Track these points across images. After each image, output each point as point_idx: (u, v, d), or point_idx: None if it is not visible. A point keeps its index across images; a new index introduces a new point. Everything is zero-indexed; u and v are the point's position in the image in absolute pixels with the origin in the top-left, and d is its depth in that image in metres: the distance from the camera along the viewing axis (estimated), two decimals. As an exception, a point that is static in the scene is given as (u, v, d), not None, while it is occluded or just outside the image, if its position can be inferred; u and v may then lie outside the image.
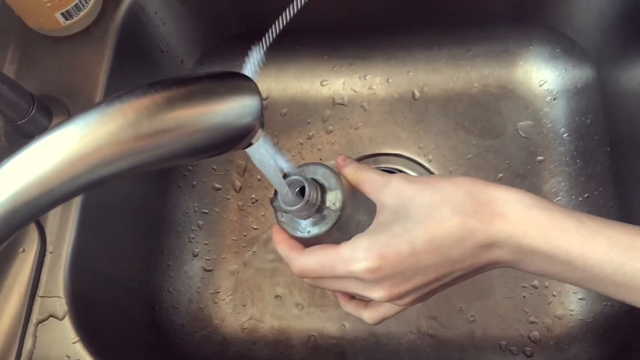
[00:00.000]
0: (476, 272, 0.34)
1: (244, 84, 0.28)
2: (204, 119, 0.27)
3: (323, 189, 0.35)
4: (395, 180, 0.34)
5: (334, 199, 0.35)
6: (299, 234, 0.35)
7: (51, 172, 0.26)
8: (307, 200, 0.33)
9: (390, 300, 0.34)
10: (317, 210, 0.34)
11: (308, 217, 0.35)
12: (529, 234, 0.31)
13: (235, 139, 0.29)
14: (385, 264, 0.32)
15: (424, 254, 0.32)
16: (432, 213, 0.32)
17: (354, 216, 0.36)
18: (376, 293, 0.33)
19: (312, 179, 0.35)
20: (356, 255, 0.33)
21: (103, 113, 0.26)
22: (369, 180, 0.35)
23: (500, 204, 0.32)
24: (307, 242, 0.36)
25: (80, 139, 0.26)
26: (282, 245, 0.36)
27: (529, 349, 0.56)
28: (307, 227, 0.35)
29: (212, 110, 0.27)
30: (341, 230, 0.35)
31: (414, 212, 0.33)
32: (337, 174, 0.36)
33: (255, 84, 0.29)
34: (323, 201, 0.34)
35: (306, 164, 0.36)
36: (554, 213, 0.32)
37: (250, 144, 0.30)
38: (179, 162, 0.28)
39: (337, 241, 0.35)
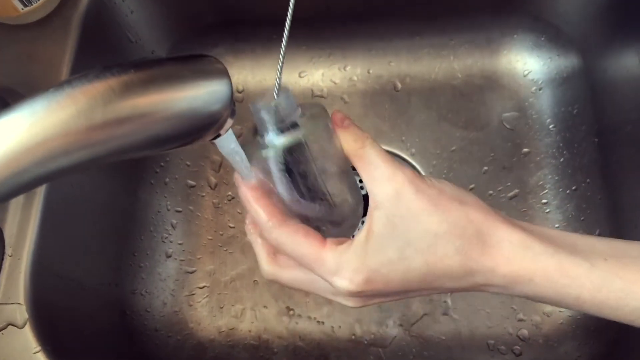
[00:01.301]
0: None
1: (212, 67, 0.26)
2: (167, 107, 0.25)
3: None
4: (400, 180, 0.29)
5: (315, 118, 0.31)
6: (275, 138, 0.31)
7: (-8, 167, 0.23)
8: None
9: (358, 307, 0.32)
10: (294, 121, 0.31)
11: (283, 127, 0.31)
12: (534, 282, 0.29)
13: (202, 128, 0.26)
14: (370, 288, 0.30)
15: (415, 283, 0.30)
16: (434, 245, 0.29)
17: (330, 160, 0.32)
18: (347, 302, 0.31)
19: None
20: (341, 273, 0.30)
21: (51, 100, 0.23)
22: (369, 162, 0.30)
23: (507, 248, 0.30)
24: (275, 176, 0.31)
25: (26, 130, 0.23)
26: (261, 212, 0.31)
27: (518, 347, 0.54)
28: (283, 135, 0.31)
29: (175, 96, 0.25)
30: (316, 164, 0.31)
31: (415, 237, 0.29)
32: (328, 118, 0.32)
33: (224, 67, 0.26)
34: (302, 116, 0.31)
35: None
36: (563, 257, 0.29)
37: (219, 135, 0.27)
38: (139, 154, 0.25)
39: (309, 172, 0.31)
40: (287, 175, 0.31)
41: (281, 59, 0.31)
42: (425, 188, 0.30)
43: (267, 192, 0.32)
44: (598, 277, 0.29)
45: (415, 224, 0.29)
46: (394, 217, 0.29)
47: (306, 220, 0.33)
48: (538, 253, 0.29)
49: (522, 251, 0.29)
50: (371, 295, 0.31)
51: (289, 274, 0.33)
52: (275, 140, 0.30)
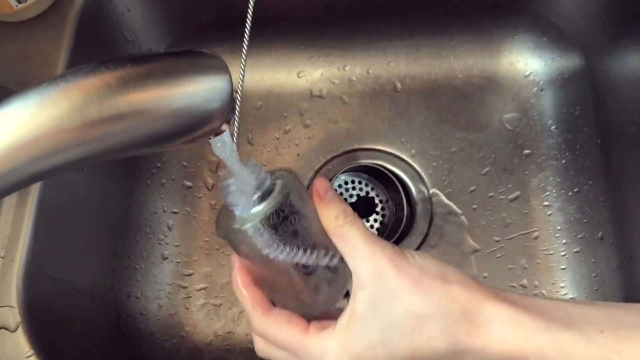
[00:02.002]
0: None
1: (211, 62, 0.25)
2: (164, 103, 0.24)
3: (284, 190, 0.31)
4: (379, 259, 0.29)
5: (284, 182, 0.31)
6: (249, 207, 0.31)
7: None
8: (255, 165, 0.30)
9: None
10: (268, 188, 0.30)
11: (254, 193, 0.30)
12: None
13: (201, 126, 0.25)
14: None
15: None
16: (419, 327, 0.28)
17: (307, 221, 0.32)
18: None
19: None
20: (323, 359, 0.29)
21: (44, 95, 0.22)
22: (348, 240, 0.30)
23: (498, 327, 0.28)
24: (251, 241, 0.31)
25: (18, 126, 0.22)
26: (248, 301, 0.32)
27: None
28: (254, 206, 0.30)
29: (173, 92, 0.24)
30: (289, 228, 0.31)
31: (397, 319, 0.29)
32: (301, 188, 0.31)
33: (224, 63, 0.25)
34: (273, 181, 0.31)
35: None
36: (557, 332, 0.28)
37: (218, 133, 0.27)
38: (135, 152, 0.24)
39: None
40: (270, 244, 0.30)
41: (236, 118, 0.30)
42: (406, 266, 0.29)
43: (256, 276, 0.32)
44: (595, 352, 0.27)
45: (397, 305, 0.29)
46: (376, 297, 0.29)
47: (297, 285, 0.32)
48: (531, 330, 0.28)
49: (514, 329, 0.28)
50: None
51: (282, 354, 0.33)
52: (253, 212, 0.30)
